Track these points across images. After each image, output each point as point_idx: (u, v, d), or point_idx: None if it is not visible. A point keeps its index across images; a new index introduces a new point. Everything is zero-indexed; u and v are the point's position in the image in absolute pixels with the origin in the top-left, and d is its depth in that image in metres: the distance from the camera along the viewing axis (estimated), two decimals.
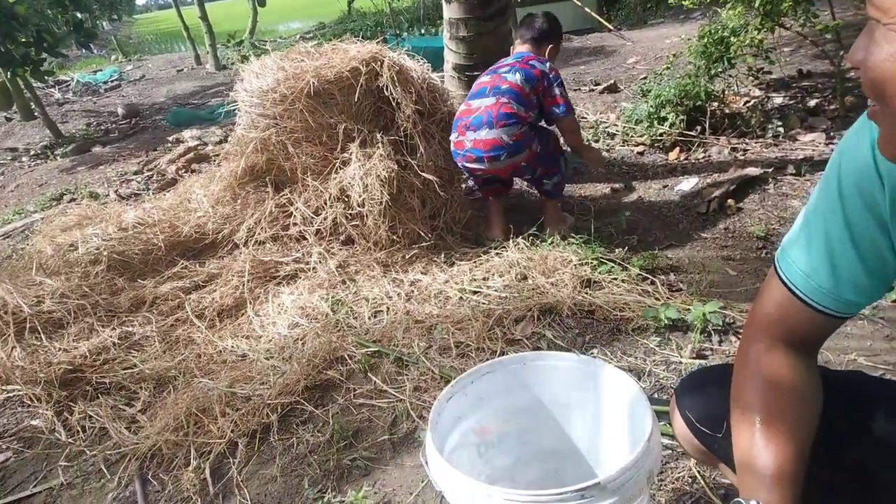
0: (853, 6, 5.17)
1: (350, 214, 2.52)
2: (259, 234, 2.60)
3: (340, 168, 2.51)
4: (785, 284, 0.76)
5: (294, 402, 1.84)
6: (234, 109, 2.74)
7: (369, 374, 1.94)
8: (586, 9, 8.49)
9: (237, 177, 2.67)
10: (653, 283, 2.23)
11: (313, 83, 2.39)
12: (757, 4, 3.41)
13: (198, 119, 6.03)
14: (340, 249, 2.56)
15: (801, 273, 0.74)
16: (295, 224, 2.58)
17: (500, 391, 1.15)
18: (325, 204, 2.53)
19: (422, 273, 2.43)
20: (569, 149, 2.79)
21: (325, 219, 2.53)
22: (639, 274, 2.27)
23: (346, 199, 2.50)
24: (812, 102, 4.14)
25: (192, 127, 5.60)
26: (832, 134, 3.65)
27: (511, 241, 2.54)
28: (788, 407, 0.74)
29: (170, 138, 5.35)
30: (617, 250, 2.46)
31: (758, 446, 0.73)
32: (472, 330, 2.02)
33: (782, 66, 4.68)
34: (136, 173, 4.40)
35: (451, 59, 3.27)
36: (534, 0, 9.17)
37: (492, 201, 2.74)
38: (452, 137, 2.53)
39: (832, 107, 3.99)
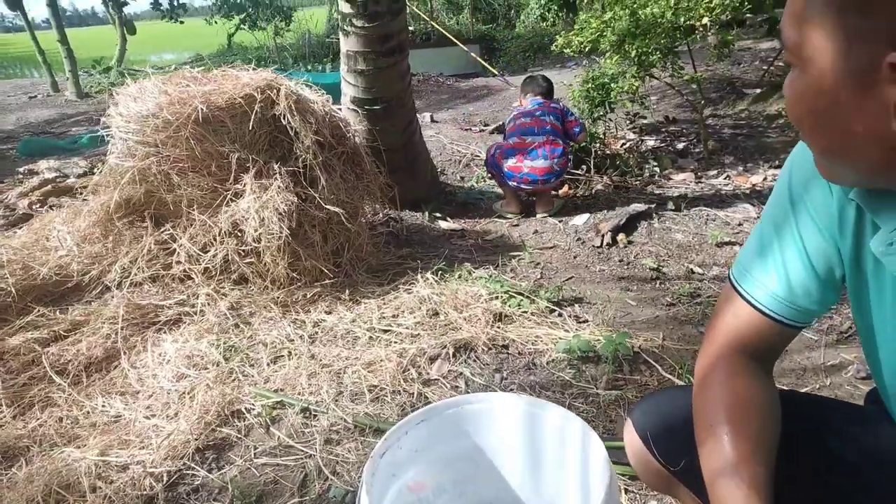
0: (705, 64, 5.84)
1: (243, 251, 2.31)
2: (136, 274, 2.30)
3: (232, 200, 2.31)
4: (741, 295, 0.76)
5: (183, 467, 1.58)
6: (103, 137, 2.44)
7: (272, 428, 1.73)
8: (472, 54, 8.87)
9: (110, 211, 2.35)
10: (560, 315, 2.25)
11: (202, 109, 2.19)
12: (633, 55, 3.70)
13: (56, 149, 5.39)
14: (232, 289, 2.33)
15: (756, 283, 0.75)
16: (178, 262, 2.31)
17: (436, 440, 1.04)
18: (215, 240, 2.30)
19: (326, 312, 2.27)
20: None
21: (214, 256, 2.30)
22: (546, 306, 2.28)
23: (239, 235, 2.29)
24: (680, 145, 4.57)
25: (49, 158, 4.97)
26: (699, 174, 4.03)
27: (420, 277, 2.47)
28: (754, 419, 0.73)
29: (20, 169, 4.70)
30: (523, 283, 2.48)
31: (728, 462, 0.70)
32: (386, 372, 1.90)
33: (652, 113, 5.14)
34: None
35: (349, 92, 3.19)
36: (428, 43, 9.45)
37: (507, 189, 3.44)
38: (509, 163, 3.31)
39: (697, 149, 4.42)
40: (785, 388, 1.17)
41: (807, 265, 0.72)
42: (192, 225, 2.33)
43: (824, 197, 0.69)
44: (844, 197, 0.67)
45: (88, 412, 1.82)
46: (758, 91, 5.56)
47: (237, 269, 2.33)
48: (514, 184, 3.35)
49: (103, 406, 1.85)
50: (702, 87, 4.32)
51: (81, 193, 2.78)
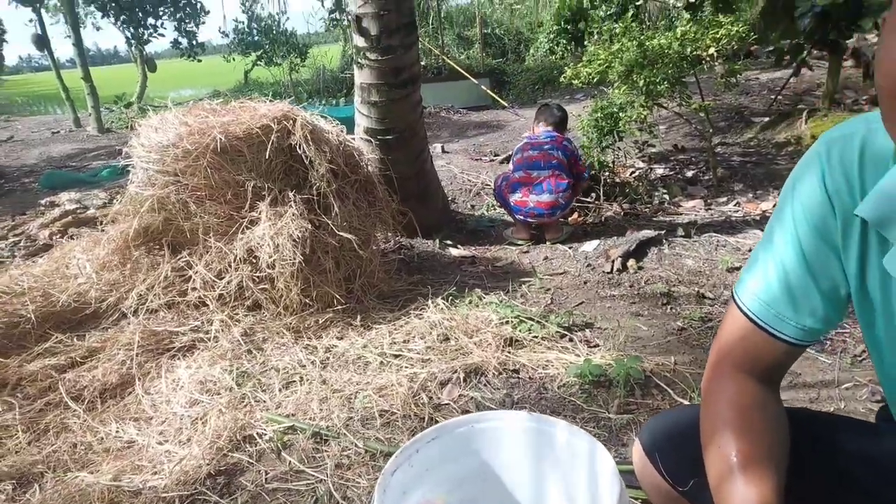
0: (713, 93, 5.91)
1: (257, 277, 2.35)
2: (152, 301, 2.34)
3: (248, 228, 2.36)
4: (746, 315, 0.76)
5: (195, 492, 1.59)
6: (124, 169, 2.53)
7: (283, 453, 1.74)
8: (483, 87, 9.04)
9: (128, 239, 2.41)
10: (571, 339, 2.25)
11: (220, 139, 2.26)
12: (641, 85, 3.77)
13: (77, 182, 5.53)
14: (246, 316, 2.36)
15: (761, 303, 0.75)
16: (194, 289, 2.35)
17: (447, 458, 1.05)
18: (230, 266, 2.35)
19: (337, 338, 2.29)
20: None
21: (228, 282, 2.34)
22: (557, 331, 2.28)
23: (254, 261, 2.33)
24: (689, 173, 4.58)
25: (70, 190, 5.11)
26: (709, 201, 4.04)
27: (430, 303, 2.48)
28: (762, 440, 0.73)
29: (42, 201, 4.83)
30: (534, 309, 2.48)
31: (737, 484, 0.70)
32: (397, 396, 1.90)
33: (661, 142, 5.18)
34: None
35: (362, 122, 3.27)
36: (439, 77, 9.66)
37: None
38: (515, 197, 3.36)
39: (706, 177, 4.44)
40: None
41: (811, 284, 0.72)
42: (207, 252, 2.38)
43: (828, 216, 0.70)
44: (849, 213, 0.68)
45: (102, 438, 1.84)
46: (766, 120, 5.59)
47: (251, 296, 2.37)
48: (521, 217, 3.40)
49: (117, 432, 1.86)
50: (710, 115, 4.37)
51: (101, 223, 2.85)
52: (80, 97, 9.65)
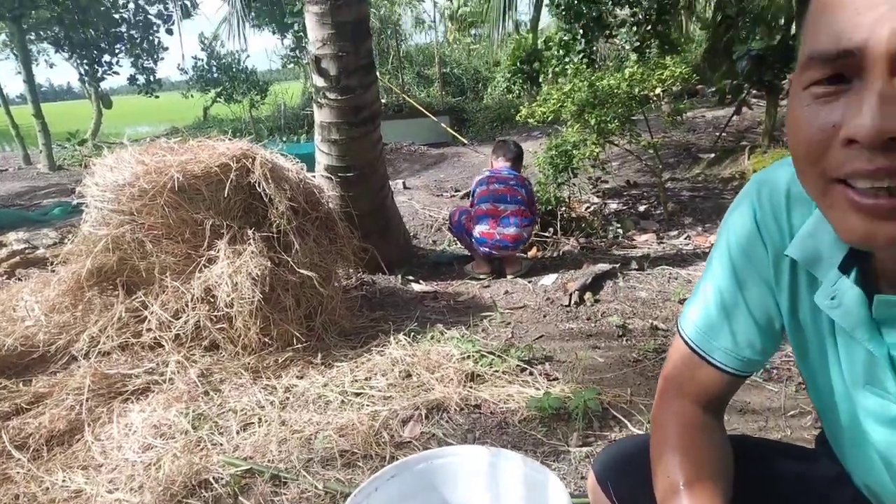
0: (662, 131, 6.19)
1: (215, 316, 2.31)
2: (104, 343, 2.27)
3: (206, 266, 2.33)
4: (690, 347, 0.80)
5: None
6: (76, 207, 2.48)
7: (240, 497, 1.69)
8: (442, 124, 9.23)
9: (81, 279, 2.35)
10: (531, 373, 2.28)
11: (178, 178, 2.25)
12: (592, 123, 3.93)
13: (25, 221, 5.35)
14: (203, 356, 2.32)
15: (703, 335, 0.79)
16: (149, 330, 2.30)
17: (406, 496, 1.06)
18: (187, 306, 2.31)
19: (297, 377, 2.26)
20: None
21: (185, 322, 2.29)
22: (517, 365, 2.32)
23: (212, 300, 2.30)
24: (642, 208, 4.76)
25: (19, 229, 4.93)
26: (661, 235, 4.19)
27: (392, 339, 2.49)
28: (707, 461, 0.76)
29: None
30: (494, 343, 2.51)
31: (675, 483, 0.73)
32: (358, 435, 1.88)
33: (613, 178, 5.37)
34: None
35: (323, 160, 3.30)
36: (400, 115, 9.82)
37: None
38: (481, 229, 3.44)
39: (658, 211, 4.62)
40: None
41: (749, 318, 0.77)
42: (164, 292, 2.34)
43: (761, 253, 0.74)
44: (779, 252, 0.72)
45: (48, 488, 1.76)
46: (712, 156, 5.88)
47: (208, 336, 2.33)
48: (486, 249, 3.45)
49: (63, 481, 1.78)
50: (659, 152, 4.57)
51: (52, 264, 2.77)
52: (31, 134, 9.42)
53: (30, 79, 9.22)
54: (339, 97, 3.16)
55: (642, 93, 4.09)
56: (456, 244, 4.05)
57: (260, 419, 2.03)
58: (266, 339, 2.34)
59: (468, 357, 2.33)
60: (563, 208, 4.26)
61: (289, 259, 2.42)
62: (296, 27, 10.63)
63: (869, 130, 0.44)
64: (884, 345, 0.60)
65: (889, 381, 0.61)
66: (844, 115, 0.46)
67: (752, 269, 0.75)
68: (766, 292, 0.75)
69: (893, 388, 0.61)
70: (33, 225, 5.20)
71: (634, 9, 7.56)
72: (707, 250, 3.75)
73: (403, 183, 5.87)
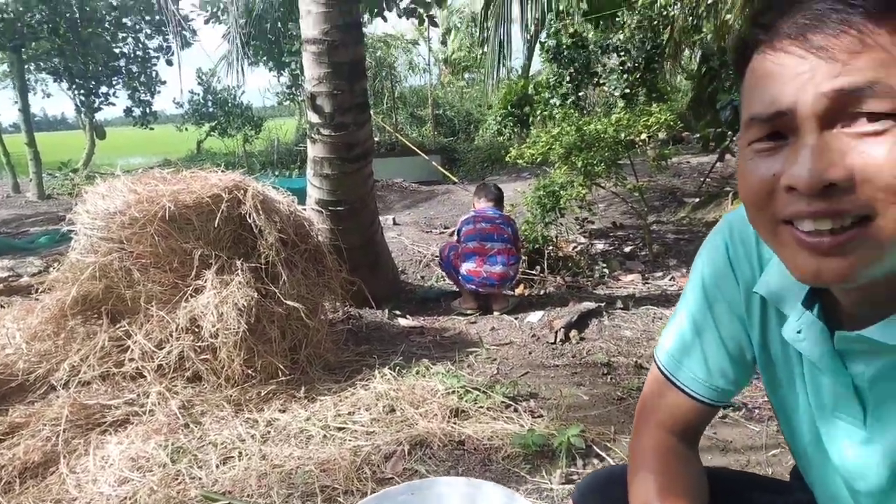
0: (647, 175, 6.33)
1: (199, 347, 2.30)
2: (85, 372, 2.24)
3: (192, 296, 2.33)
4: (665, 376, 0.82)
5: None
6: (63, 236, 2.48)
7: None
8: (434, 163, 9.37)
9: (65, 307, 2.34)
10: (516, 410, 2.28)
11: (169, 207, 2.28)
12: (580, 166, 4.03)
13: (10, 248, 5.31)
14: (185, 388, 2.29)
15: (675, 361, 0.81)
16: (132, 359, 2.28)
17: None
18: (171, 336, 2.30)
19: (280, 411, 2.24)
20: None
21: (169, 352, 2.28)
22: (502, 401, 2.31)
23: (197, 330, 2.30)
24: (627, 249, 4.83)
25: (3, 257, 4.90)
26: (646, 276, 4.24)
27: (377, 373, 2.48)
28: (682, 487, 0.78)
29: None
30: (480, 379, 2.51)
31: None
32: (339, 471, 1.86)
33: (600, 219, 5.46)
34: None
35: (314, 194, 3.34)
36: (393, 153, 9.97)
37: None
38: (468, 266, 3.45)
39: (643, 253, 4.68)
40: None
41: (722, 348, 0.79)
42: (149, 321, 2.33)
43: (732, 287, 0.77)
44: (750, 287, 0.75)
45: None
46: (696, 200, 6.01)
47: (191, 367, 2.31)
48: (472, 287, 3.48)
49: None
50: (644, 195, 4.67)
51: (36, 291, 2.75)
52: (23, 162, 9.44)
53: (25, 108, 9.30)
54: (333, 133, 3.23)
55: (628, 137, 4.21)
56: (444, 280, 4.07)
57: (240, 453, 2.01)
58: (249, 371, 2.32)
59: (453, 392, 2.33)
60: (551, 247, 4.31)
61: (276, 290, 2.42)
62: (293, 65, 10.86)
63: (806, 179, 0.50)
64: (847, 375, 0.63)
65: (855, 409, 0.64)
66: (784, 166, 0.52)
67: (725, 303, 0.78)
68: (737, 324, 0.78)
69: (859, 416, 0.64)
70: (19, 253, 5.17)
71: (623, 57, 7.83)
72: None
73: (394, 219, 5.92)
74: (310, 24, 3.19)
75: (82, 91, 11.04)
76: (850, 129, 0.49)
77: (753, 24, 0.55)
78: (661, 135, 4.62)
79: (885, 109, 0.47)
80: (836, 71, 0.48)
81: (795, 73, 0.50)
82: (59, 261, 2.76)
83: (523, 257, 4.20)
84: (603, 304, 3.42)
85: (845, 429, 0.66)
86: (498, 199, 3.80)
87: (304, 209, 3.07)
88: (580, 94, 8.52)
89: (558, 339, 3.00)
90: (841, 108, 0.48)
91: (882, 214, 0.49)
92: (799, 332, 0.66)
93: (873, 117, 0.48)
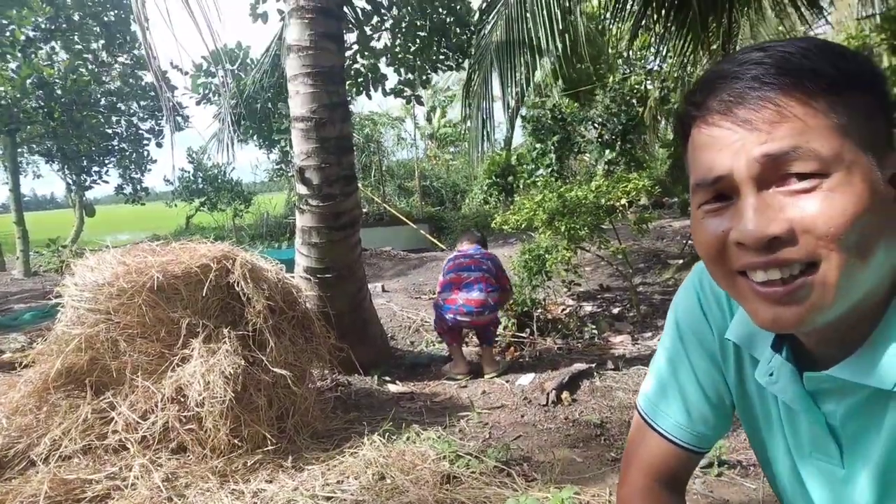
0: (631, 238, 6.47)
1: (185, 417, 2.26)
2: (66, 446, 2.18)
3: (179, 366, 2.31)
4: (648, 425, 0.83)
5: None
6: (48, 312, 2.48)
7: None
8: (422, 231, 9.52)
9: (49, 380, 2.30)
10: (509, 474, 2.23)
11: (158, 277, 2.30)
12: (563, 230, 4.13)
13: None
14: (169, 459, 2.23)
15: (659, 413, 0.83)
16: (115, 431, 2.22)
17: None
18: (156, 406, 2.26)
19: (267, 481, 2.17)
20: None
21: (153, 423, 2.23)
22: (495, 466, 2.27)
23: (182, 400, 2.26)
24: (615, 310, 4.87)
25: None
26: (636, 336, 4.26)
27: (366, 440, 2.43)
28: None
29: None
30: (472, 443, 2.47)
31: None
32: None
33: (587, 281, 5.53)
34: None
35: (302, 262, 3.39)
36: (381, 223, 10.13)
37: (455, 346, 3.53)
38: (444, 296, 3.51)
39: (631, 314, 4.72)
40: None
41: (701, 394, 0.81)
42: (133, 391, 2.30)
43: (707, 334, 0.80)
44: (723, 334, 0.78)
45: None
46: (680, 262, 6.12)
47: (176, 437, 2.25)
48: (451, 316, 3.45)
49: None
50: (628, 258, 4.77)
51: (19, 366, 2.71)
52: (10, 241, 9.44)
53: (16, 188, 9.41)
54: (321, 204, 3.31)
55: (608, 203, 4.35)
56: (433, 345, 4.06)
57: None
58: (236, 441, 2.27)
59: (444, 458, 2.28)
60: (539, 310, 4.34)
61: (263, 358, 2.41)
62: (282, 142, 11.18)
63: (751, 234, 0.55)
64: (821, 414, 0.65)
65: (832, 448, 0.65)
66: (731, 223, 0.58)
67: (700, 349, 0.81)
68: (714, 370, 0.80)
69: (836, 454, 0.65)
70: (2, 330, 5.09)
71: (600, 129, 8.19)
72: None
73: (383, 286, 5.95)
74: (298, 103, 3.35)
75: (73, 171, 11.22)
76: (784, 188, 0.55)
77: (688, 102, 0.63)
78: (643, 200, 4.78)
79: (811, 170, 0.53)
80: (762, 139, 0.55)
81: (728, 143, 0.57)
82: (43, 336, 2.73)
83: (513, 319, 4.22)
84: (594, 366, 3.41)
85: (825, 469, 0.67)
86: (480, 242, 3.87)
87: (293, 277, 3.10)
88: (561, 163, 8.84)
89: (550, 402, 2.98)
90: (772, 171, 0.55)
91: (825, 260, 0.54)
92: (770, 374, 0.69)
93: (802, 177, 0.54)
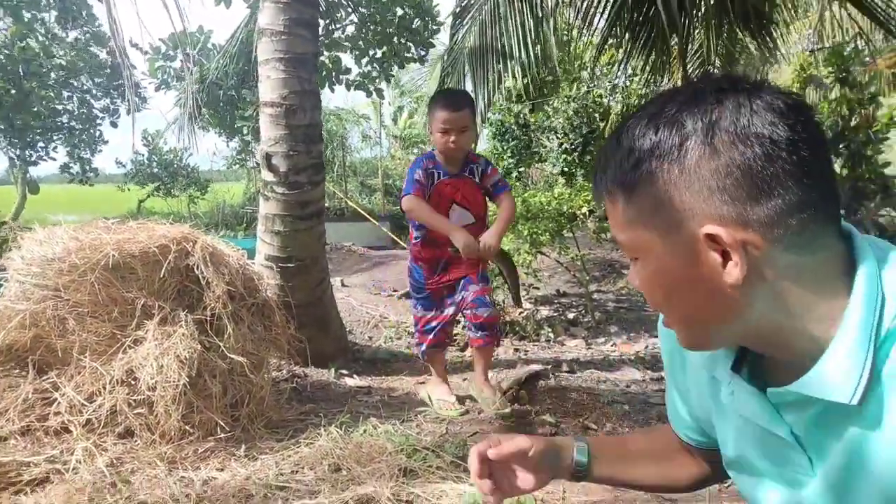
0: (588, 247, 6.62)
1: (134, 401, 2.18)
2: (3, 426, 2.07)
3: (131, 347, 2.23)
4: (673, 430, 0.95)
5: None
6: None
7: None
8: (383, 229, 9.47)
9: None
10: (465, 469, 2.25)
11: (114, 255, 2.21)
12: (525, 234, 4.20)
13: None
14: (115, 444, 2.14)
15: (675, 421, 0.94)
16: (58, 413, 2.13)
17: None
18: (104, 388, 2.17)
19: (218, 469, 2.12)
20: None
21: (100, 406, 2.14)
22: (452, 461, 2.28)
23: (133, 383, 2.18)
24: (571, 315, 4.97)
25: None
26: (589, 341, 4.37)
27: (323, 431, 2.41)
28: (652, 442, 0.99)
29: None
30: (429, 438, 2.47)
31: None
32: None
33: (545, 286, 5.63)
34: None
35: (264, 250, 3.32)
36: (342, 218, 10.01)
37: (439, 368, 3.02)
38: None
39: (586, 319, 4.83)
40: None
41: (690, 411, 0.88)
42: (80, 373, 2.20)
43: (685, 358, 0.85)
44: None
45: None
46: None
47: (124, 421, 2.17)
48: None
49: None
50: (586, 266, 4.88)
51: None
52: None
53: None
54: (287, 191, 3.26)
55: (570, 210, 4.45)
56: (392, 340, 4.04)
57: None
58: (187, 427, 2.20)
59: (402, 451, 2.28)
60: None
61: (220, 344, 2.35)
62: (244, 131, 10.93)
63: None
64: (785, 424, 0.67)
65: (800, 457, 0.67)
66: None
67: (682, 372, 0.86)
68: (695, 389, 0.85)
69: (805, 464, 0.67)
70: None
71: (561, 139, 8.34)
72: (632, 357, 3.93)
73: (342, 281, 5.89)
74: (269, 88, 3.29)
75: (18, 145, 10.67)
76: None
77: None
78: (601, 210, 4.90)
79: (629, 254, 0.70)
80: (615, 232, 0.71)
81: None
82: None
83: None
84: (549, 367, 3.47)
85: (802, 482, 0.68)
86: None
87: (254, 264, 3.04)
88: (520, 169, 8.96)
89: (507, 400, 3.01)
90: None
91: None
92: (732, 393, 0.72)
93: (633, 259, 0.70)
